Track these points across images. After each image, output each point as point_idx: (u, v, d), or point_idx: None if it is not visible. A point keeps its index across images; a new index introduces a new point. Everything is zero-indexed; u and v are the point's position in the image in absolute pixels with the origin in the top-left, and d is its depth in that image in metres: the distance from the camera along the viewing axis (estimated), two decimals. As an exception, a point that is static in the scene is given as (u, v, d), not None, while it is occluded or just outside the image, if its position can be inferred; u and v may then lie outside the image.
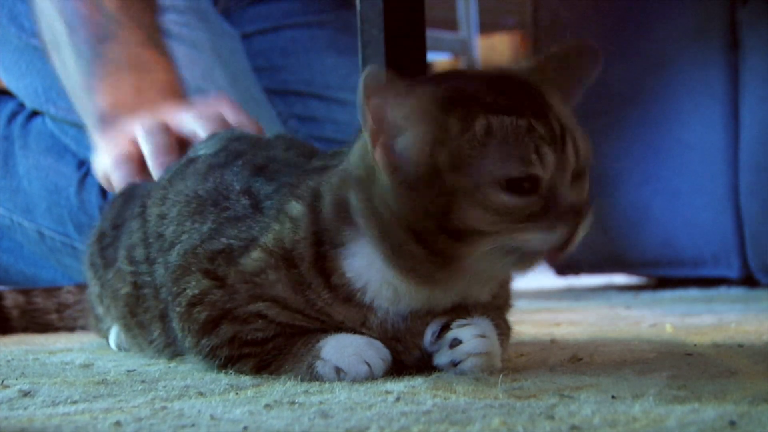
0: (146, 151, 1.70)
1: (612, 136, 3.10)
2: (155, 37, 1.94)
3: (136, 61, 1.88)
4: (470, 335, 1.15)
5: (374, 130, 1.09)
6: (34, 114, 2.31)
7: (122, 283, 1.41)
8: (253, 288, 1.18)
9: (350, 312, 1.16)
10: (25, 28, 2.23)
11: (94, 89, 1.86)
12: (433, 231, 1.09)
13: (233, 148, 1.39)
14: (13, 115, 2.32)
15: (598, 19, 3.17)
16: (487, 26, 5.01)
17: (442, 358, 1.15)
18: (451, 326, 1.16)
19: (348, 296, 1.16)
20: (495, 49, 6.17)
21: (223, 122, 1.69)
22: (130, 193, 1.53)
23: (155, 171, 1.67)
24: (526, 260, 1.11)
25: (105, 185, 1.83)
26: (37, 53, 2.22)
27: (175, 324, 1.25)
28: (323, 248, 1.16)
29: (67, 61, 1.93)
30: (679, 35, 2.95)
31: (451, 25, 4.63)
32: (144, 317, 1.37)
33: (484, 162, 1.07)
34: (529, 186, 1.08)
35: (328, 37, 2.34)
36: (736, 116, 2.85)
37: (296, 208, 1.19)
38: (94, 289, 1.52)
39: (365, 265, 1.15)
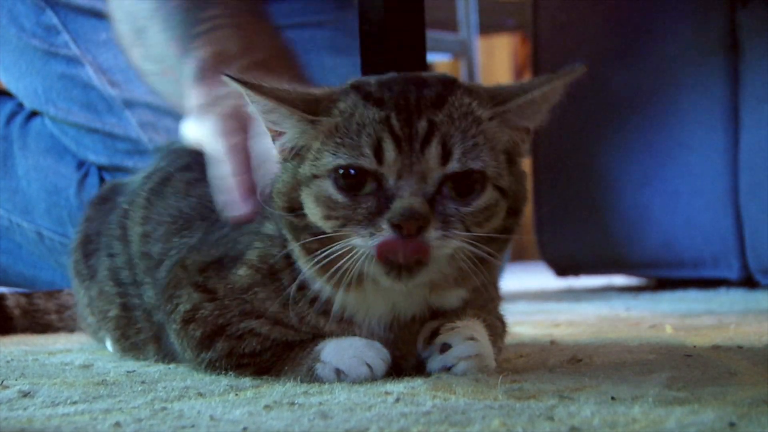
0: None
1: (612, 137, 3.10)
2: (261, 11, 1.71)
3: (242, 22, 1.62)
4: (459, 339, 1.14)
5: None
6: (34, 114, 2.31)
7: (110, 305, 1.41)
8: (242, 304, 1.18)
9: (333, 325, 1.16)
10: (25, 29, 2.23)
11: (191, 47, 1.58)
12: (301, 228, 1.10)
13: (203, 161, 1.38)
14: (12, 116, 2.32)
15: (598, 21, 3.17)
16: (487, 27, 5.01)
17: (434, 363, 1.14)
18: (440, 331, 1.15)
19: (326, 310, 1.16)
20: (495, 50, 6.17)
21: None
22: (113, 198, 1.52)
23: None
24: (380, 268, 1.06)
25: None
26: (37, 54, 2.22)
27: (174, 341, 1.26)
28: (294, 261, 1.16)
29: (154, 40, 1.68)
30: (679, 37, 2.95)
31: (451, 26, 4.63)
32: (137, 339, 1.37)
33: (325, 152, 1.08)
34: (361, 183, 1.06)
35: (328, 38, 2.34)
36: (735, 118, 2.85)
37: (269, 226, 1.20)
38: (83, 299, 1.51)
39: None
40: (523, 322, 1.91)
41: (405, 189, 1.05)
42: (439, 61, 5.21)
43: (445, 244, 1.05)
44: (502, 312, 1.30)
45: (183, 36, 1.60)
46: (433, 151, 1.05)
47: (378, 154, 1.05)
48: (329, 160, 1.08)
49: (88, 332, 1.57)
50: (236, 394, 1.07)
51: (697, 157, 2.92)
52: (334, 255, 1.07)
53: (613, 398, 0.98)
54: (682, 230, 2.95)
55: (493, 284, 1.27)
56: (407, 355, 1.17)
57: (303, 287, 1.16)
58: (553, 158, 3.25)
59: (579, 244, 3.20)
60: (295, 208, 1.11)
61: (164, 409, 0.99)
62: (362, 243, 1.05)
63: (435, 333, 1.16)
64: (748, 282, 2.87)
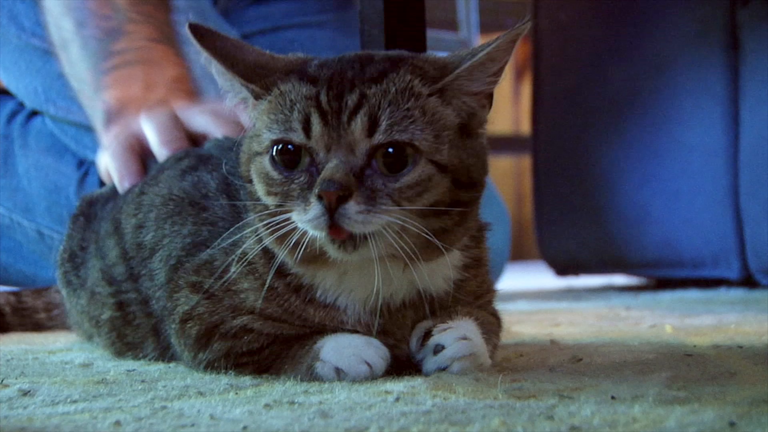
0: (152, 137, 1.59)
1: (612, 137, 3.10)
2: (167, 34, 1.85)
3: (146, 56, 1.79)
4: (452, 339, 1.14)
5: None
6: (34, 113, 2.31)
7: (102, 309, 1.40)
8: (231, 297, 1.19)
9: (320, 313, 1.17)
10: (24, 28, 2.23)
11: (101, 85, 1.77)
12: (255, 200, 1.14)
13: (199, 153, 1.42)
14: (12, 115, 2.32)
15: (598, 20, 3.17)
16: (487, 26, 5.01)
17: (428, 365, 1.14)
18: (433, 332, 1.15)
19: (311, 297, 1.17)
20: (495, 50, 6.16)
21: (238, 124, 1.56)
22: (90, 212, 1.53)
23: (161, 152, 1.55)
24: (326, 240, 1.08)
25: (106, 180, 1.68)
26: (36, 53, 2.22)
27: (173, 340, 1.26)
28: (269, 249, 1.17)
29: (75, 59, 1.85)
30: (679, 36, 2.95)
31: (452, 25, 4.63)
32: (135, 336, 1.36)
33: (264, 129, 1.12)
34: (295, 159, 1.08)
35: (328, 38, 2.34)
36: (736, 117, 2.85)
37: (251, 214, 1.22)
38: (76, 307, 1.51)
39: None
40: (523, 322, 1.91)
41: (332, 161, 1.06)
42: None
43: (369, 219, 1.05)
44: (497, 308, 1.30)
45: (95, 69, 1.78)
46: (359, 122, 1.07)
47: (306, 128, 1.08)
48: (266, 136, 1.11)
49: (83, 337, 1.57)
50: (236, 393, 1.07)
51: (697, 157, 2.91)
52: (282, 227, 1.09)
53: (613, 397, 0.98)
54: (682, 230, 2.95)
55: (485, 276, 1.27)
56: (400, 342, 1.17)
57: (283, 275, 1.17)
58: (553, 158, 3.25)
59: (579, 243, 3.20)
60: (249, 180, 1.15)
61: (164, 407, 0.99)
62: (298, 218, 1.07)
63: (428, 334, 1.16)
64: (748, 282, 2.87)
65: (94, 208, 1.53)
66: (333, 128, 1.07)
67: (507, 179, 5.63)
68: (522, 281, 3.47)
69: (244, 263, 1.18)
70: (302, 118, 1.08)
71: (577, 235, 3.19)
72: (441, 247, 1.10)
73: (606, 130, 3.11)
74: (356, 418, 0.91)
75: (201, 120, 1.60)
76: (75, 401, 1.04)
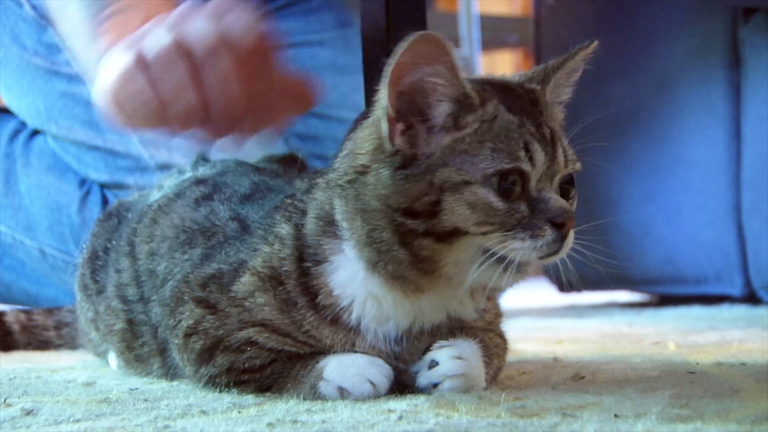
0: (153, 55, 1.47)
1: (614, 154, 3.10)
2: None
3: (144, 1, 1.71)
4: (447, 357, 1.14)
5: (397, 111, 1.10)
6: (36, 133, 2.31)
7: (115, 320, 1.41)
8: (242, 312, 1.19)
9: (338, 335, 1.16)
10: (27, 48, 2.23)
11: (98, 33, 1.70)
12: (421, 233, 1.09)
13: (218, 180, 1.40)
14: (15, 134, 2.32)
15: (600, 37, 3.17)
16: (488, 44, 5.02)
17: (422, 379, 1.15)
18: (431, 348, 1.16)
19: (335, 317, 1.16)
20: (497, 67, 6.17)
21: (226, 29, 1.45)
22: (120, 213, 1.53)
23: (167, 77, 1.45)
24: (515, 271, 1.11)
25: (111, 110, 1.56)
26: (39, 72, 2.22)
27: (176, 355, 1.26)
28: (305, 264, 1.17)
29: (72, 14, 1.80)
30: (681, 53, 2.95)
31: (454, 42, 4.64)
32: (142, 351, 1.37)
33: (475, 157, 1.09)
34: (517, 187, 1.09)
35: (329, 56, 2.34)
36: (737, 134, 2.85)
37: (284, 228, 1.21)
38: (88, 314, 1.51)
39: (348, 279, 1.15)
40: (526, 339, 1.91)
41: (548, 190, 1.10)
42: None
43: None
44: (504, 328, 1.31)
45: (92, 19, 1.72)
46: (561, 153, 1.12)
47: (531, 158, 1.09)
48: (486, 165, 1.09)
49: (88, 347, 1.58)
50: (239, 412, 1.06)
51: (699, 173, 2.92)
52: (466, 261, 1.10)
53: (616, 416, 0.98)
54: (684, 246, 2.95)
55: (498, 308, 1.29)
56: (411, 365, 1.17)
57: (314, 292, 1.17)
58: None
59: (581, 260, 3.19)
60: (417, 213, 1.09)
61: (167, 427, 0.99)
62: (519, 245, 1.09)
63: (428, 349, 1.16)
64: (751, 298, 2.87)
65: (128, 212, 1.52)
66: (549, 158, 1.11)
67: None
68: (524, 298, 3.47)
69: (264, 276, 1.18)
70: (524, 146, 1.09)
71: (579, 252, 3.19)
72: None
73: (608, 147, 3.09)
74: (359, 437, 0.91)
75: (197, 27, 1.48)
76: (78, 420, 1.04)
